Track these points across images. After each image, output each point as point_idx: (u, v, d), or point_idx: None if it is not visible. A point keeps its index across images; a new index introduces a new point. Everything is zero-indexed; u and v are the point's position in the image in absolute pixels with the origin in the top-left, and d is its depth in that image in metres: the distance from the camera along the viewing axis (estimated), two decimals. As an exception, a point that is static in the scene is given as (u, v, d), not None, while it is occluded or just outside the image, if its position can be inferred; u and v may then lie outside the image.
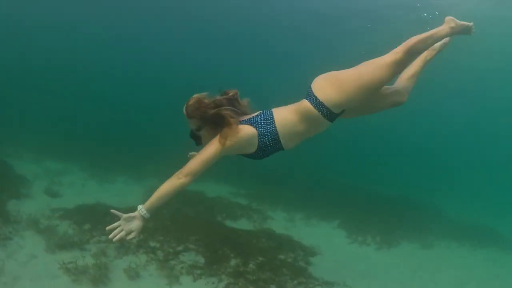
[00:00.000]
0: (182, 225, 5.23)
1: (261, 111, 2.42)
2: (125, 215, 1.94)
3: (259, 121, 2.31)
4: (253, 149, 2.34)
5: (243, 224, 6.46)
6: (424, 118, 20.46)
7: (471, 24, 2.66)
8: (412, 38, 2.55)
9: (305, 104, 2.34)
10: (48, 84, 18.98)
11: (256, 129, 2.29)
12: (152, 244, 4.49)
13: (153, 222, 5.26)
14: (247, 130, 2.28)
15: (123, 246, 4.35)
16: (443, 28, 2.61)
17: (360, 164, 12.30)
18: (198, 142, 2.38)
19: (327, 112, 2.33)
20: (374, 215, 7.89)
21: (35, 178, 7.45)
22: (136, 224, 1.96)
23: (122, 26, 17.65)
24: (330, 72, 2.48)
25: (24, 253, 4.27)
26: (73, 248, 4.36)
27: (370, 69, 2.37)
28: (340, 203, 8.34)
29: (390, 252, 6.74)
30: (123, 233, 1.92)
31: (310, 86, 2.43)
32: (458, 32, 2.67)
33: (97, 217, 5.36)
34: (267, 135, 2.30)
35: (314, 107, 2.33)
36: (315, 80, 2.48)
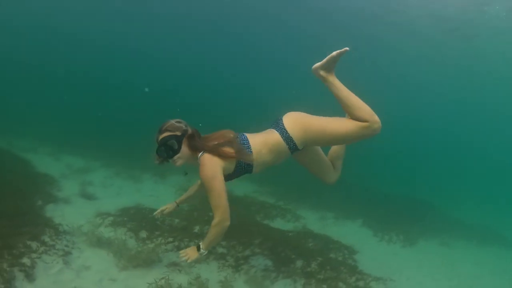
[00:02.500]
0: (237, 228, 5.35)
1: (237, 136, 2.68)
2: (190, 262, 2.68)
3: None
4: (230, 170, 2.65)
5: (280, 224, 6.66)
6: (434, 122, 21.49)
7: (335, 53, 2.59)
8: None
9: (276, 136, 2.65)
10: (63, 77, 18.27)
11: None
12: (220, 250, 4.57)
13: (210, 226, 5.34)
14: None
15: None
16: (329, 82, 2.68)
17: (372, 166, 12.86)
18: (176, 151, 2.57)
19: (293, 146, 2.65)
20: (391, 215, 8.35)
21: (62, 178, 7.24)
22: (197, 256, 2.69)
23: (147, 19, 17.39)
24: (301, 113, 2.75)
25: (95, 271, 3.92)
26: (146, 262, 4.14)
27: (340, 130, 2.59)
28: (358, 203, 8.72)
29: (413, 249, 7.19)
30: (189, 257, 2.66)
31: (282, 119, 2.71)
32: (334, 62, 2.63)
33: (147, 222, 5.35)
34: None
35: (284, 139, 2.64)
36: (287, 114, 2.74)
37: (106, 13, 17.51)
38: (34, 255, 3.81)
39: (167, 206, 3.49)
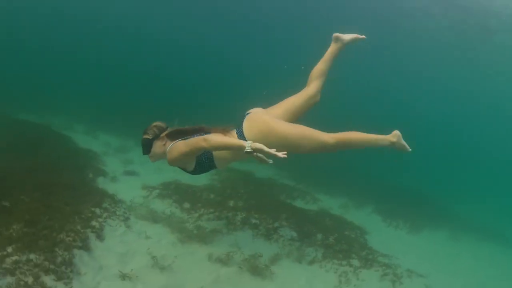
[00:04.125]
0: (266, 204, 6.19)
1: (203, 129, 2.87)
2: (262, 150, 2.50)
3: None
4: (192, 165, 2.83)
5: (301, 204, 7.47)
6: (450, 120, 21.72)
7: (409, 149, 2.89)
8: (354, 132, 2.83)
9: (233, 137, 2.76)
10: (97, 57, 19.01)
11: None
12: (253, 221, 5.40)
13: (242, 201, 6.19)
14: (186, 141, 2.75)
15: (232, 223, 5.26)
16: (385, 139, 2.83)
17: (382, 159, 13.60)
18: (147, 151, 2.95)
19: (249, 150, 2.57)
20: (399, 205, 9.01)
21: (104, 155, 8.09)
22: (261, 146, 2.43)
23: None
24: (264, 117, 2.79)
25: (153, 234, 4.54)
26: (196, 228, 4.86)
27: (299, 136, 2.71)
28: (369, 192, 9.41)
29: (418, 237, 7.98)
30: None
31: (242, 123, 2.82)
32: (395, 148, 2.88)
33: (188, 195, 6.19)
34: (206, 155, 2.78)
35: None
36: (248, 117, 2.84)
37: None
38: (100, 220, 4.52)
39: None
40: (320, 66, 3.10)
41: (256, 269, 4.18)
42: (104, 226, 4.46)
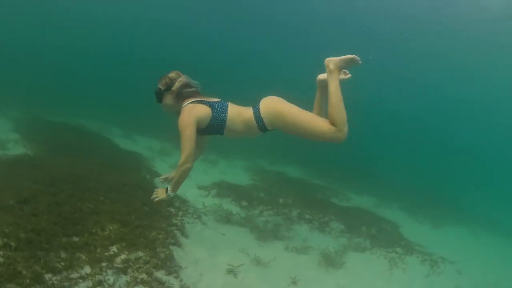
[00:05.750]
0: (313, 201, 6.94)
1: (220, 100, 3.04)
2: (158, 201, 3.26)
3: (216, 107, 3.01)
4: (203, 125, 2.98)
5: (336, 201, 8.20)
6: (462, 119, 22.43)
7: (352, 56, 2.81)
8: (329, 105, 2.79)
9: (250, 113, 2.96)
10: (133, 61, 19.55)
11: (212, 111, 2.97)
12: (307, 216, 6.15)
13: (290, 199, 6.92)
14: (206, 109, 2.97)
15: (289, 218, 6.00)
16: (329, 77, 2.84)
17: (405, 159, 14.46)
18: (159, 100, 3.10)
19: (262, 125, 2.94)
20: (421, 202, 9.80)
21: (151, 158, 8.73)
22: (165, 197, 3.21)
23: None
24: (281, 100, 2.96)
25: (225, 229, 4.98)
26: (262, 223, 5.45)
27: (307, 123, 2.80)
28: (393, 190, 10.21)
29: (442, 230, 8.71)
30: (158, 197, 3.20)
31: (260, 101, 2.98)
32: (346, 67, 2.88)
33: (241, 194, 6.88)
34: (218, 119, 2.97)
35: (255, 117, 2.94)
36: (266, 98, 3.00)
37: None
38: (178, 218, 4.85)
39: (169, 175, 3.76)
40: (318, 99, 3.16)
41: (326, 256, 4.85)
42: (184, 223, 4.79)
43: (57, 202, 3.71)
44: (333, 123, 2.73)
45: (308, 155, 10.91)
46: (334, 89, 2.74)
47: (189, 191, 6.68)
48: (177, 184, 3.18)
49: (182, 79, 3.07)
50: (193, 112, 2.91)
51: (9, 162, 5.32)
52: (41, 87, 12.98)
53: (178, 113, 3.08)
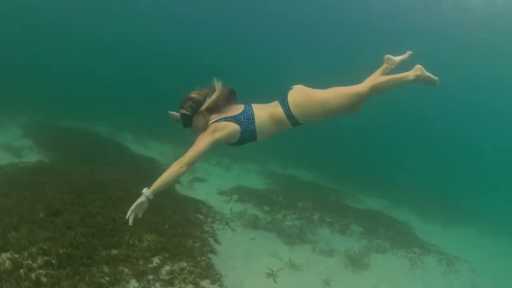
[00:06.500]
0: (327, 204, 7.20)
1: (244, 109, 2.83)
2: (134, 205, 2.34)
3: (242, 120, 2.81)
4: (235, 140, 2.81)
5: (349, 204, 8.45)
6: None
7: (436, 78, 2.87)
8: (381, 77, 2.91)
9: (280, 112, 2.82)
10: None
11: (240, 126, 2.79)
12: (328, 219, 6.41)
13: (309, 202, 7.17)
14: (232, 127, 2.77)
15: (311, 221, 6.26)
16: (409, 74, 2.86)
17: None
18: (187, 126, 2.88)
19: (295, 122, 2.85)
20: (430, 203, 10.13)
21: (168, 164, 8.80)
22: (144, 206, 2.39)
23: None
24: (305, 89, 2.88)
25: (270, 243, 5.06)
26: (289, 227, 5.74)
27: (338, 96, 2.78)
28: (398, 194, 10.52)
29: (451, 231, 9.03)
30: (136, 214, 2.39)
31: (287, 96, 2.84)
32: (423, 81, 2.90)
33: (262, 199, 7.10)
34: (248, 132, 2.80)
35: (286, 116, 2.82)
36: (292, 91, 2.87)
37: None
38: (208, 225, 4.94)
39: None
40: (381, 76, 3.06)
41: (351, 258, 5.08)
42: (214, 230, 4.89)
43: (90, 213, 3.60)
44: (364, 84, 2.79)
45: (317, 158, 11.23)
46: (403, 81, 2.80)
47: (211, 196, 6.86)
48: (161, 185, 2.49)
49: (208, 98, 2.86)
50: (217, 133, 2.71)
51: (28, 171, 5.25)
52: (47, 92, 12.89)
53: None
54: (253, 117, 2.85)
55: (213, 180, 8.32)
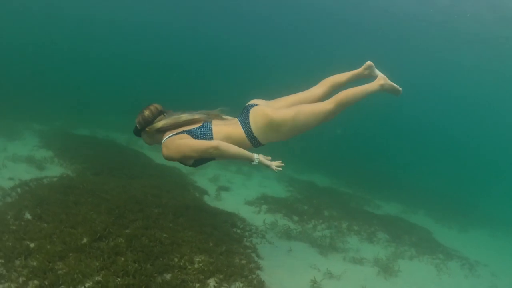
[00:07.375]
0: (352, 212, 7.56)
1: (202, 121, 2.75)
2: (270, 166, 2.76)
3: (198, 134, 2.73)
4: (190, 161, 2.72)
5: (370, 210, 8.81)
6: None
7: (400, 88, 2.93)
8: (344, 91, 2.89)
9: (239, 132, 2.73)
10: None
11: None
12: (355, 228, 6.76)
13: (335, 211, 7.51)
14: (187, 143, 2.65)
15: (340, 231, 6.59)
16: (373, 85, 2.90)
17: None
18: (137, 135, 2.97)
19: (257, 143, 2.80)
20: (446, 208, 10.45)
21: (191, 174, 8.71)
22: (263, 160, 2.73)
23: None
24: (268, 110, 2.72)
25: (310, 256, 5.09)
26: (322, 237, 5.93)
27: (305, 117, 2.72)
28: (413, 198, 10.83)
29: (468, 235, 9.36)
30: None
31: (248, 116, 2.72)
32: (386, 91, 2.94)
33: (289, 209, 7.33)
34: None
35: (248, 137, 2.73)
36: (254, 112, 2.74)
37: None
38: (248, 239, 4.90)
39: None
40: (340, 79, 3.07)
41: (382, 266, 5.39)
42: (254, 245, 4.84)
43: (135, 235, 3.41)
44: (329, 100, 2.79)
45: (331, 162, 11.55)
46: (367, 92, 2.83)
47: (240, 208, 7.01)
48: (234, 155, 2.70)
49: (156, 122, 2.83)
50: (177, 149, 2.72)
51: (56, 188, 4.87)
52: (59, 99, 13.08)
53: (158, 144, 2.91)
54: (211, 134, 2.70)
55: (237, 189, 8.59)
